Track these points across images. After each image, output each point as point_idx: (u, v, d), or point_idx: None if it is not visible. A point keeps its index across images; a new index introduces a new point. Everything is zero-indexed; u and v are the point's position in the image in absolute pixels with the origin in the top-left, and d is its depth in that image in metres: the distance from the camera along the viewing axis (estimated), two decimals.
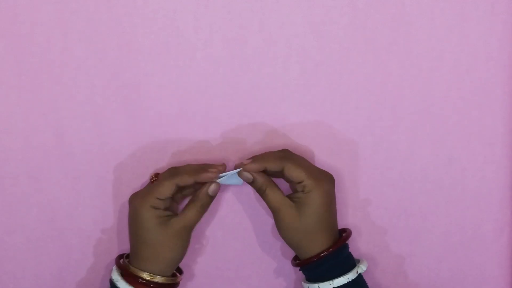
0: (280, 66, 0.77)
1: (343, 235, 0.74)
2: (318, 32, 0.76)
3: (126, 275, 0.71)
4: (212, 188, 0.71)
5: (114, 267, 0.73)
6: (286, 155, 0.72)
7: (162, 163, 0.77)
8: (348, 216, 0.80)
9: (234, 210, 0.79)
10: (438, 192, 0.79)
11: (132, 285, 0.70)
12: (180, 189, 0.72)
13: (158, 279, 0.70)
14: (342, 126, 0.78)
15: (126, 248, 0.79)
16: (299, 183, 0.70)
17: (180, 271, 0.75)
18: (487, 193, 0.79)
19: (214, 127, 0.77)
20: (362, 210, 0.80)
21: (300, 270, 0.74)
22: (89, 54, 0.75)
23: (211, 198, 0.72)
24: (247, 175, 0.71)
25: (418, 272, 0.81)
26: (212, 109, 0.77)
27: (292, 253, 0.76)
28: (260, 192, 0.72)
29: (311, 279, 0.73)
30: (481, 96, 0.78)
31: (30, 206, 0.77)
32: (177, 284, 0.73)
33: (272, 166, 0.71)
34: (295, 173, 0.70)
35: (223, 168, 0.72)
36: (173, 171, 0.72)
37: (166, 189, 0.70)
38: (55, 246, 0.78)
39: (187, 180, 0.70)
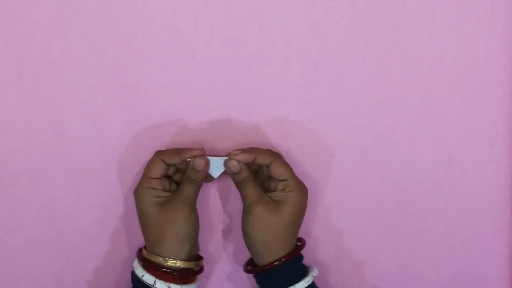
0: (280, 66, 0.77)
1: (298, 244, 0.74)
2: (318, 32, 0.76)
3: (141, 260, 0.72)
4: (195, 161, 0.71)
5: (136, 260, 0.73)
6: (273, 152, 0.73)
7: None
8: (348, 216, 0.79)
9: (235, 210, 0.79)
10: (438, 192, 0.79)
11: (147, 271, 0.70)
12: (175, 173, 0.74)
13: (171, 262, 0.70)
14: (342, 126, 0.78)
15: (126, 247, 0.79)
16: (282, 180, 0.71)
17: (199, 257, 0.75)
18: (487, 193, 0.79)
19: (214, 126, 0.77)
20: (362, 211, 0.79)
21: (255, 276, 0.74)
22: (89, 54, 0.75)
23: (198, 172, 0.71)
24: (235, 164, 0.71)
25: (418, 272, 0.81)
26: (212, 109, 0.77)
27: None
28: (242, 184, 0.71)
29: (269, 285, 0.72)
30: (481, 96, 0.78)
31: (30, 206, 0.77)
32: (197, 269, 0.73)
33: (261, 159, 0.71)
34: (282, 169, 0.71)
35: (201, 151, 0.72)
36: (159, 151, 0.73)
37: (155, 166, 0.71)
38: (55, 246, 0.78)
39: (171, 156, 0.71)
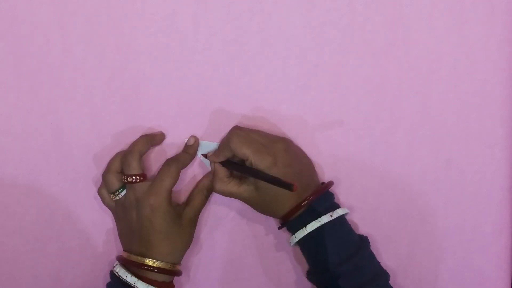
0: (279, 68, 0.77)
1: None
2: (317, 34, 0.76)
3: (136, 267, 0.72)
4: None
5: (123, 271, 0.72)
6: (233, 133, 0.72)
7: (160, 165, 0.77)
8: (347, 217, 0.79)
9: (233, 212, 0.79)
10: (437, 194, 0.79)
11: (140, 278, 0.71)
12: None
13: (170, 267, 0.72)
14: (341, 128, 0.78)
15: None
16: (246, 160, 0.71)
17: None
18: (486, 195, 0.79)
19: (213, 128, 0.77)
20: (361, 212, 0.79)
21: (288, 228, 0.75)
22: (88, 56, 0.75)
23: (206, 189, 0.76)
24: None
25: (417, 273, 0.81)
26: (211, 110, 0.77)
27: (288, 252, 0.76)
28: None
29: (294, 227, 0.73)
30: (480, 98, 0.78)
31: (29, 208, 0.77)
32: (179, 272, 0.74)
33: (226, 154, 0.73)
34: (241, 150, 0.71)
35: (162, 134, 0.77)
36: (171, 161, 0.74)
37: (175, 178, 0.73)
38: (54, 247, 0.78)
39: (186, 159, 0.76)
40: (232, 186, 0.73)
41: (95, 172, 0.77)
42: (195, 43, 0.76)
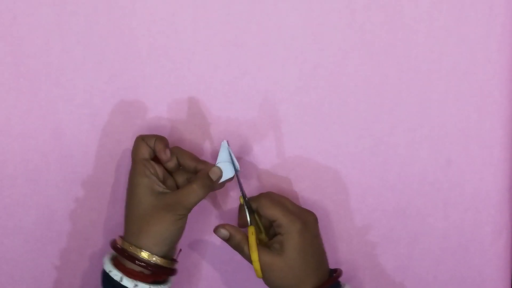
0: (279, 69, 0.77)
1: (333, 275, 0.73)
2: (317, 35, 0.76)
3: (116, 250, 0.69)
4: (214, 170, 0.70)
5: (107, 261, 0.70)
6: (263, 194, 0.72)
7: None
8: (347, 218, 0.80)
9: (233, 211, 0.79)
10: (436, 194, 0.79)
11: (117, 267, 0.68)
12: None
13: (145, 255, 0.68)
14: (340, 128, 0.78)
15: None
16: (274, 221, 0.70)
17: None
18: (486, 195, 0.79)
19: (212, 129, 0.77)
20: (360, 213, 0.79)
21: None
22: (88, 56, 0.75)
23: (212, 181, 0.70)
24: (224, 232, 0.71)
25: (416, 274, 0.81)
26: (211, 112, 0.77)
27: None
28: (238, 249, 0.71)
29: None
30: (480, 99, 0.78)
31: (28, 208, 0.78)
32: (171, 270, 0.71)
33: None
34: (270, 211, 0.70)
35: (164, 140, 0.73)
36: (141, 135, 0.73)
37: (166, 157, 0.71)
38: (53, 248, 0.79)
39: (186, 159, 0.72)
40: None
41: (94, 173, 0.77)
42: (194, 45, 0.76)
